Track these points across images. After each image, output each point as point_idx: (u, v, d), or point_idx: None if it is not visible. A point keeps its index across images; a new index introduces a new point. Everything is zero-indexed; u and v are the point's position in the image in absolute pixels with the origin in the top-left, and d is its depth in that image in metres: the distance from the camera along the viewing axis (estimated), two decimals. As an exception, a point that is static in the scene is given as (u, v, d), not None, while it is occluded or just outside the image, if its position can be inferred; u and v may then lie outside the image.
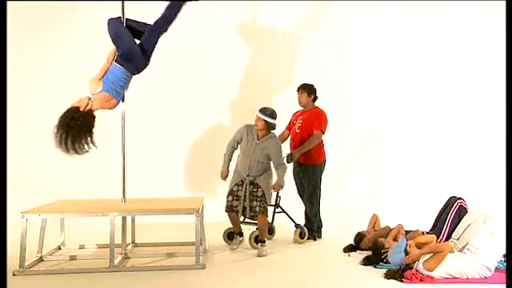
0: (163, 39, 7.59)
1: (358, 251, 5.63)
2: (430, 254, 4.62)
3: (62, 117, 4.89)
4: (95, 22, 7.52)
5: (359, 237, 5.73)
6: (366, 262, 5.18)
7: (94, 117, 5.02)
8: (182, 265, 5.20)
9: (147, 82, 7.49)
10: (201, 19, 7.74)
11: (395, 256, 4.81)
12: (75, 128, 4.83)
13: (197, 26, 7.73)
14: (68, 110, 4.95)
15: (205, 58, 7.71)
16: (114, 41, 5.21)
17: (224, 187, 6.52)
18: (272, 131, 5.92)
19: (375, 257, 5.16)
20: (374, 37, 7.96)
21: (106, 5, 7.03)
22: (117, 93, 5.11)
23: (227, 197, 5.97)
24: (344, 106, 7.81)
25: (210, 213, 6.42)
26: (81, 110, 4.94)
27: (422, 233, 5.44)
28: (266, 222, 5.89)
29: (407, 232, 5.43)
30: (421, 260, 4.62)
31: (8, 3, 5.87)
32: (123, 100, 5.41)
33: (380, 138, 7.95)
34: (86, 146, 4.91)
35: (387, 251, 5.02)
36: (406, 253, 4.74)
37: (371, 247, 5.38)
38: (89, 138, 4.92)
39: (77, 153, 4.90)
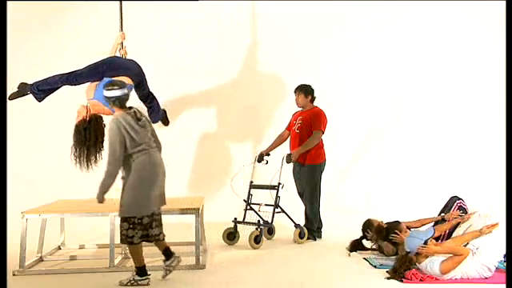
0: (163, 38, 7.66)
1: (358, 251, 5.63)
2: (448, 255, 4.56)
3: (75, 135, 4.98)
4: (95, 22, 7.56)
5: (370, 224, 5.69)
6: (373, 233, 5.27)
7: (103, 122, 5.09)
8: (181, 265, 5.18)
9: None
10: (200, 19, 7.75)
11: (414, 240, 4.77)
12: (91, 139, 4.95)
13: (195, 26, 7.75)
14: (77, 126, 5.00)
15: (204, 59, 7.71)
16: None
17: (224, 187, 6.54)
18: (118, 110, 4.55)
19: (383, 232, 5.19)
20: (372, 36, 7.97)
21: (105, 5, 7.06)
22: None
23: None
24: (344, 105, 7.82)
25: (210, 213, 6.42)
26: (86, 119, 4.99)
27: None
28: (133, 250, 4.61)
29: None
30: (437, 261, 4.57)
31: (8, 3, 5.87)
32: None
33: (380, 137, 7.95)
34: (98, 156, 5.01)
35: (399, 236, 5.05)
36: (425, 243, 4.71)
37: (387, 224, 5.38)
38: (101, 147, 5.02)
39: (92, 163, 5.01)
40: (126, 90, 4.56)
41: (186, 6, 7.63)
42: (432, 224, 5.46)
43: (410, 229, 5.31)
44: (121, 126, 4.42)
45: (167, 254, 4.76)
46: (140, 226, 4.52)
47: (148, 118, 4.79)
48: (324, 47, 7.86)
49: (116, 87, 4.52)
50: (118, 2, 5.70)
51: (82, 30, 7.62)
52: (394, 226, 5.24)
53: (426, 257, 4.62)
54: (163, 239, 4.76)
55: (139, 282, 4.57)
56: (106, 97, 4.55)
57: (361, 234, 5.74)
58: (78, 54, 7.46)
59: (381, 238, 5.27)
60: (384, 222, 5.61)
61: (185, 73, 7.70)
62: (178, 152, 7.63)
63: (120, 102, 4.53)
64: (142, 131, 4.54)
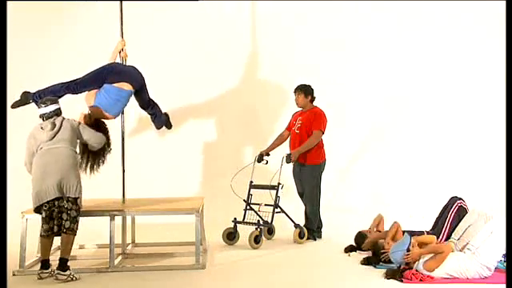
0: (163, 36, 7.66)
1: (358, 251, 5.63)
2: (431, 255, 4.62)
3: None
4: (95, 22, 7.56)
5: (360, 236, 5.72)
6: (366, 262, 5.18)
7: (106, 126, 5.26)
8: (181, 265, 5.20)
9: (146, 81, 7.47)
10: (200, 19, 7.75)
11: (397, 253, 4.77)
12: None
13: (195, 26, 7.74)
14: None
15: (204, 59, 7.71)
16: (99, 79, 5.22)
17: (224, 187, 6.52)
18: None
19: (375, 258, 5.16)
20: (373, 36, 7.96)
21: (105, 5, 7.05)
22: (110, 107, 5.15)
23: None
24: (344, 105, 7.81)
25: (210, 213, 6.42)
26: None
27: (424, 233, 5.43)
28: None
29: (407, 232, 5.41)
30: (421, 260, 4.62)
31: (8, 3, 5.87)
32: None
33: (380, 137, 7.94)
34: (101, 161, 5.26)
35: (387, 252, 5.02)
36: (408, 250, 4.70)
37: (371, 248, 5.38)
38: (108, 149, 5.26)
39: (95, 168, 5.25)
40: (58, 105, 4.97)
41: (185, 7, 7.63)
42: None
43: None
44: (30, 136, 4.88)
45: (45, 263, 4.81)
46: (43, 220, 4.74)
47: (62, 121, 4.87)
48: (324, 47, 7.85)
49: (49, 102, 4.91)
50: (119, 3, 5.71)
51: (82, 30, 7.62)
52: (378, 248, 5.21)
53: (414, 262, 4.66)
54: (57, 233, 4.75)
55: (41, 275, 4.76)
56: (42, 114, 4.90)
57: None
58: (78, 54, 7.49)
59: (376, 262, 5.21)
60: (373, 232, 5.63)
61: (184, 74, 7.70)
62: (178, 152, 7.64)
63: (46, 117, 4.89)
64: (40, 133, 4.82)
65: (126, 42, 5.72)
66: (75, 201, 4.76)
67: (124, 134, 5.72)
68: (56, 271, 4.70)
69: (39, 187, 4.69)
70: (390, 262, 5.01)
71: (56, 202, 4.70)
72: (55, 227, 4.72)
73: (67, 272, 4.69)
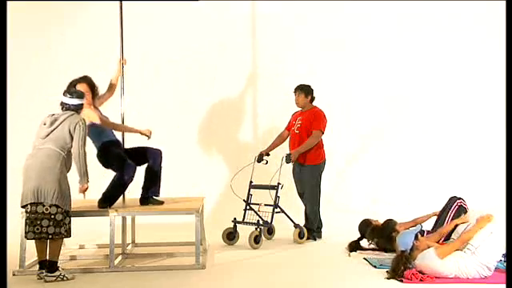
0: (163, 36, 7.67)
1: (358, 251, 5.63)
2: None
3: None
4: (95, 22, 7.57)
5: (366, 224, 5.71)
6: (371, 234, 5.25)
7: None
8: (182, 265, 5.20)
9: (147, 81, 7.51)
10: (200, 19, 7.76)
11: (406, 235, 4.84)
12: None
13: (195, 26, 7.75)
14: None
15: (204, 59, 7.72)
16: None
17: (224, 187, 6.53)
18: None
19: (381, 232, 5.22)
20: (373, 36, 7.97)
21: (105, 5, 7.06)
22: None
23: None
24: (344, 105, 7.83)
25: (210, 213, 6.42)
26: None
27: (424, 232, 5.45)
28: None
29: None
30: (429, 251, 4.61)
31: (8, 3, 5.88)
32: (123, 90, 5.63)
33: (380, 137, 7.95)
34: None
35: (394, 234, 5.12)
36: (417, 237, 4.81)
37: (383, 223, 5.44)
38: None
39: None
40: (81, 101, 4.83)
41: (185, 7, 7.63)
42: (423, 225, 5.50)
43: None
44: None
45: (42, 264, 4.77)
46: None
47: (61, 119, 4.74)
48: (324, 47, 7.86)
49: (75, 95, 4.79)
50: (118, 3, 5.71)
51: (82, 30, 7.63)
52: (393, 225, 5.28)
53: (421, 250, 4.67)
54: (30, 238, 4.65)
55: (40, 275, 4.72)
56: (62, 102, 4.79)
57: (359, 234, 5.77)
58: (77, 54, 7.49)
59: (381, 236, 5.26)
60: (379, 222, 5.65)
61: (184, 73, 7.71)
62: (178, 152, 7.64)
63: (65, 108, 4.79)
64: (40, 129, 4.75)
65: (126, 41, 5.71)
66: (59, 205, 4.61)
67: (124, 134, 5.71)
68: (44, 273, 4.68)
69: (23, 189, 4.64)
70: (380, 249, 5.10)
71: (32, 208, 4.57)
72: (30, 233, 4.59)
73: (56, 273, 4.66)
